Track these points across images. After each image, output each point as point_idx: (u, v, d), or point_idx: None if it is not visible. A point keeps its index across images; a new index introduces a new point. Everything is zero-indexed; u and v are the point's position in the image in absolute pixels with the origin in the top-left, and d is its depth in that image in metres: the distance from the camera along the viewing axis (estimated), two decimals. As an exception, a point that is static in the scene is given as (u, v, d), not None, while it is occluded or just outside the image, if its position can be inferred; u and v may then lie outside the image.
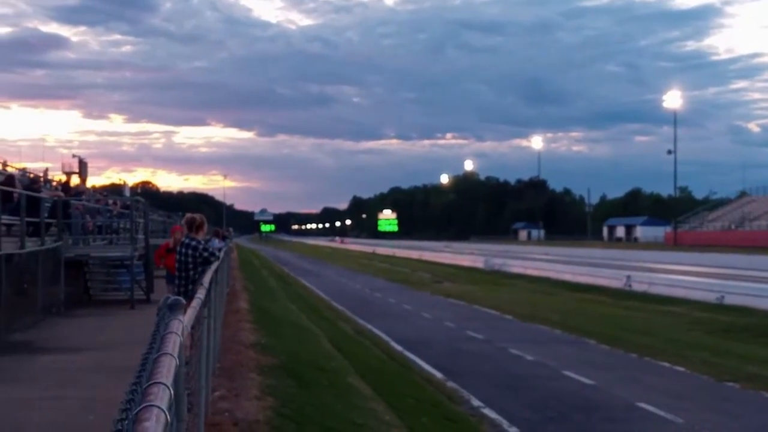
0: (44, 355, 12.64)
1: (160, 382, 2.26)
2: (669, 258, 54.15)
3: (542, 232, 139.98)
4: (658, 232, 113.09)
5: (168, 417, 2.03)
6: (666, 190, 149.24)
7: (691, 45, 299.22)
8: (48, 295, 17.28)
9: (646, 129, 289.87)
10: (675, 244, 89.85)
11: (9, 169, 32.81)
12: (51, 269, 17.65)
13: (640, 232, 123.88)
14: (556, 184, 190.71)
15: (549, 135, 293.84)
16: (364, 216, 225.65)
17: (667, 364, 16.74)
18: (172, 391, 2.26)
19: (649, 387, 14.46)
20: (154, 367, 2.52)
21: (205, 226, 11.10)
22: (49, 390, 9.93)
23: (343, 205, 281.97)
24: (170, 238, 16.17)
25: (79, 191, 25.66)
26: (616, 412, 12.63)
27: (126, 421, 2.04)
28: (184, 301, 3.70)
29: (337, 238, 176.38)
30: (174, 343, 2.87)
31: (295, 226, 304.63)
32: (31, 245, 17.12)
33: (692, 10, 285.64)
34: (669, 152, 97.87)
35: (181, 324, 3.30)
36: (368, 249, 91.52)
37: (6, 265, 14.06)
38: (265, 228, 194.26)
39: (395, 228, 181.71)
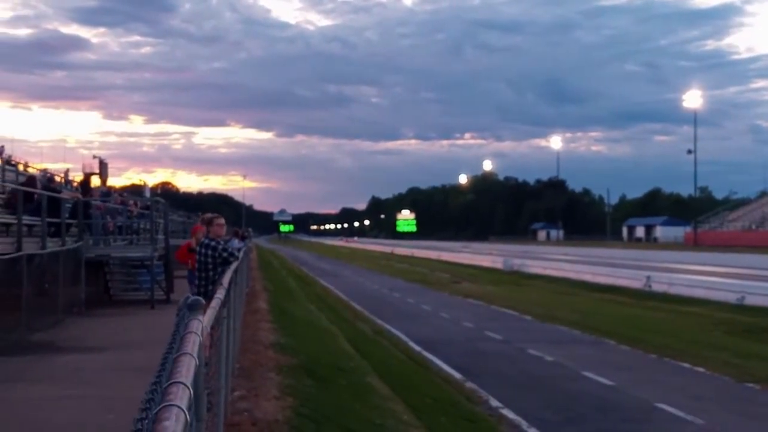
0: (65, 355, 12.73)
1: (179, 382, 2.28)
2: (689, 258, 53.84)
3: (561, 233, 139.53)
4: (678, 232, 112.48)
5: (188, 416, 2.05)
6: (686, 190, 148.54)
7: (711, 44, 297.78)
8: (69, 295, 17.40)
9: (666, 129, 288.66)
10: (695, 244, 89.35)
11: (30, 170, 33.04)
12: (72, 269, 17.78)
13: (660, 232, 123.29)
14: (575, 184, 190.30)
15: (568, 135, 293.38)
16: (382, 216, 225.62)
17: (687, 365, 16.65)
18: (191, 391, 2.28)
19: (669, 388, 14.39)
20: (173, 366, 2.54)
21: (216, 223, 11.14)
22: (70, 389, 10.01)
23: (361, 206, 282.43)
24: (191, 238, 16.21)
25: (104, 192, 25.78)
26: (635, 413, 12.58)
27: (146, 421, 2.06)
28: (203, 301, 3.72)
29: (353, 237, 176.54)
30: (194, 342, 2.89)
31: (314, 227, 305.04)
32: (52, 245, 17.26)
33: (712, 9, 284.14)
34: (689, 152, 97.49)
35: (200, 324, 3.32)
36: (387, 249, 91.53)
37: (27, 265, 14.17)
38: (284, 228, 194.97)
39: (414, 228, 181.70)
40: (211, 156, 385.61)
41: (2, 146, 47.46)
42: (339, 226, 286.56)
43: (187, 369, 2.48)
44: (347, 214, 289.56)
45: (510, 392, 14.12)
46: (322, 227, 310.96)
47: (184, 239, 33.72)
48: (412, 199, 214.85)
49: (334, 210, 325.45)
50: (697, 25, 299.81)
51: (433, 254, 70.89)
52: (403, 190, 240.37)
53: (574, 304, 29.64)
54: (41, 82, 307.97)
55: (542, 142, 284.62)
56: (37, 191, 17.69)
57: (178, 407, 2.05)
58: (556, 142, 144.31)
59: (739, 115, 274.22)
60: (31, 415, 8.66)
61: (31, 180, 19.38)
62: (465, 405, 13.22)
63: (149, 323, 16.13)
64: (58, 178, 31.18)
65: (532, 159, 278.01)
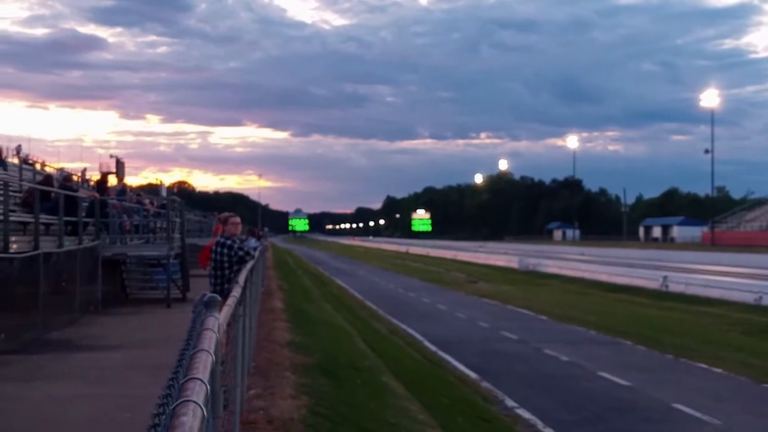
0: (82, 353, 12.78)
1: (196, 378, 2.28)
2: (706, 258, 53.54)
3: (577, 233, 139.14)
4: (695, 232, 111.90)
5: (204, 412, 2.05)
6: (703, 190, 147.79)
7: (728, 43, 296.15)
8: (86, 293, 17.47)
9: (683, 128, 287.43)
10: (712, 244, 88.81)
11: (47, 169, 33.25)
12: (89, 268, 17.85)
13: (676, 232, 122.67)
14: (591, 184, 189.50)
15: (584, 134, 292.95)
16: (397, 216, 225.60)
17: (704, 366, 16.57)
18: (208, 387, 2.28)
19: (686, 388, 14.33)
20: (190, 363, 2.54)
21: (231, 222, 11.15)
22: (87, 387, 10.04)
23: (376, 205, 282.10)
24: (213, 238, 16.18)
25: (119, 190, 25.86)
26: (652, 414, 12.53)
27: (163, 416, 2.06)
28: (219, 299, 3.73)
29: (369, 237, 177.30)
30: (210, 339, 2.89)
31: (329, 226, 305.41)
32: (69, 244, 17.33)
33: (729, 8, 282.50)
34: (706, 151, 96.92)
35: (216, 321, 3.32)
36: (402, 249, 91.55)
37: (44, 263, 14.24)
38: (299, 228, 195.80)
39: (429, 228, 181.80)
40: (227, 155, 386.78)
41: (19, 145, 47.70)
42: (354, 225, 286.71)
43: (203, 365, 2.48)
44: (362, 214, 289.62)
45: (526, 392, 14.10)
46: (337, 227, 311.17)
47: (200, 238, 33.85)
48: (428, 198, 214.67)
49: (349, 209, 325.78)
50: (714, 24, 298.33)
51: (448, 254, 70.84)
52: (419, 189, 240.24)
53: (590, 304, 29.56)
54: (58, 82, 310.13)
55: (558, 142, 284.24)
56: (53, 190, 17.75)
57: (195, 403, 2.05)
58: (572, 141, 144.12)
59: (757, 114, 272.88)
60: (48, 413, 8.70)
61: (47, 179, 19.43)
62: (481, 405, 13.21)
63: (165, 322, 16.18)
64: (75, 177, 31.33)
65: (548, 158, 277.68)
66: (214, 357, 2.74)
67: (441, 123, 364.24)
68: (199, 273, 20.18)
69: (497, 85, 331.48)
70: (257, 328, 13.77)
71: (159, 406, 2.13)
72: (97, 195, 20.82)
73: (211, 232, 19.77)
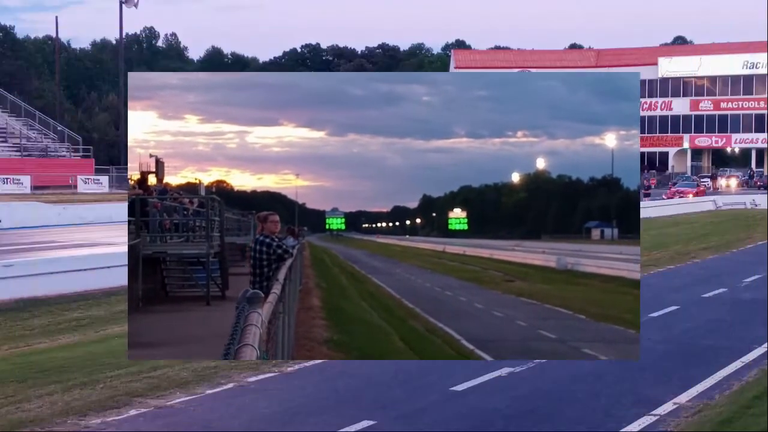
0: (123, 350, 12.95)
1: (243, 372, 2.32)
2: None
3: (616, 231, 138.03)
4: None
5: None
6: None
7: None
8: (127, 291, 17.68)
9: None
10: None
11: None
12: (130, 266, 18.05)
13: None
14: (630, 182, 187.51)
15: (622, 132, 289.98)
16: (434, 215, 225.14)
17: (745, 366, 16.37)
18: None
19: (727, 388, 14.16)
20: (236, 357, 2.59)
21: (270, 220, 11.20)
22: (129, 383, 10.18)
23: (413, 204, 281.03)
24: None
25: (161, 190, 26.06)
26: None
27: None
28: (262, 295, 3.78)
29: (405, 236, 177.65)
30: (254, 335, 2.94)
31: (366, 225, 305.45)
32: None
33: None
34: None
35: (260, 317, 3.37)
36: (438, 247, 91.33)
37: (87, 261, 14.43)
38: (335, 226, 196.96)
39: (465, 227, 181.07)
40: (264, 155, 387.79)
41: (61, 145, 48.11)
42: (391, 224, 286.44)
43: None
44: (399, 213, 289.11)
45: (564, 391, 14.01)
46: (374, 225, 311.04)
47: (238, 237, 34.07)
48: (464, 197, 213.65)
49: (385, 208, 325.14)
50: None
51: (485, 252, 70.49)
52: (455, 188, 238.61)
53: (628, 303, 29.28)
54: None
55: (596, 140, 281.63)
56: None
57: (243, 396, 2.09)
58: (610, 139, 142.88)
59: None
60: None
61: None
62: (518, 403, 13.16)
63: (205, 319, 16.34)
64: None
65: (586, 157, 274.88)
66: (258, 352, 2.78)
67: (477, 122, 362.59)
68: (237, 272, 20.36)
69: (534, 83, 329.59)
70: (295, 326, 13.87)
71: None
72: (142, 192, 21.04)
73: (254, 231, 19.90)
